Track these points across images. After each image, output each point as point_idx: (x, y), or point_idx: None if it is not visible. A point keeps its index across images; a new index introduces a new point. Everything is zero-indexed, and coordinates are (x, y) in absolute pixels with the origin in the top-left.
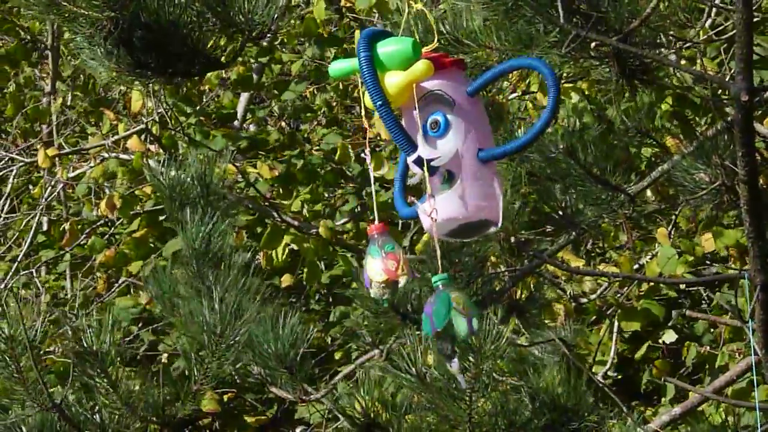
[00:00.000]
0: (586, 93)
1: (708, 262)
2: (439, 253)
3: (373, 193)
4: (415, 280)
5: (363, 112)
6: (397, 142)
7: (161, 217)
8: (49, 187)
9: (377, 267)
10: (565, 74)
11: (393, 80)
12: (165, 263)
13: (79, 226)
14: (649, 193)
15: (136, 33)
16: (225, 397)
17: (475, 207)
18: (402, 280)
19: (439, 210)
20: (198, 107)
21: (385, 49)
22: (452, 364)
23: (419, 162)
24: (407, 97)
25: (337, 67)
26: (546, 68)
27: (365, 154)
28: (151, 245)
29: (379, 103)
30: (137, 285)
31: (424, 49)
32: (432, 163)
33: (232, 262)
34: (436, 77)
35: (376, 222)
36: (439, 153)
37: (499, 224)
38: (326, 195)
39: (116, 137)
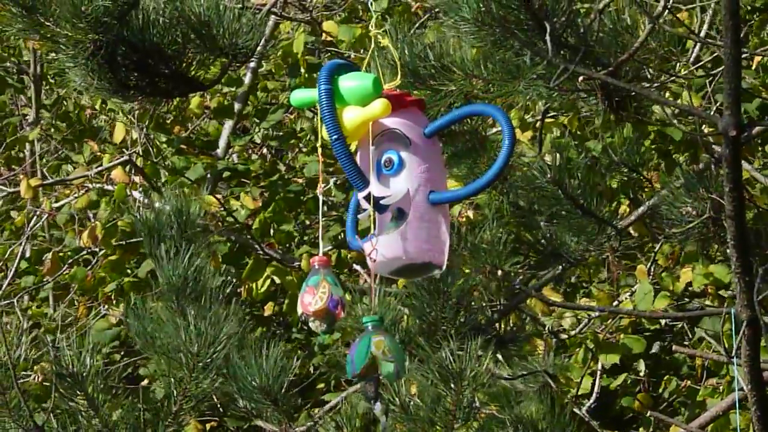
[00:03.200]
0: (569, 128)
1: (687, 299)
2: (374, 294)
3: (320, 222)
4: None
5: (319, 144)
6: (350, 177)
7: (130, 245)
8: (34, 218)
9: (309, 298)
10: (551, 108)
11: (350, 116)
12: (138, 285)
13: (61, 254)
14: (630, 229)
15: (119, 53)
16: (208, 426)
17: (419, 249)
18: (337, 314)
19: (384, 249)
20: (180, 135)
21: (346, 83)
22: (375, 406)
23: (369, 199)
24: (363, 133)
25: (299, 96)
26: (502, 115)
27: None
28: (128, 270)
29: (335, 137)
30: (111, 309)
31: (387, 86)
32: (381, 202)
33: (212, 294)
34: (395, 115)
35: (320, 254)
36: (390, 192)
37: (443, 268)
38: (308, 222)
39: (100, 168)
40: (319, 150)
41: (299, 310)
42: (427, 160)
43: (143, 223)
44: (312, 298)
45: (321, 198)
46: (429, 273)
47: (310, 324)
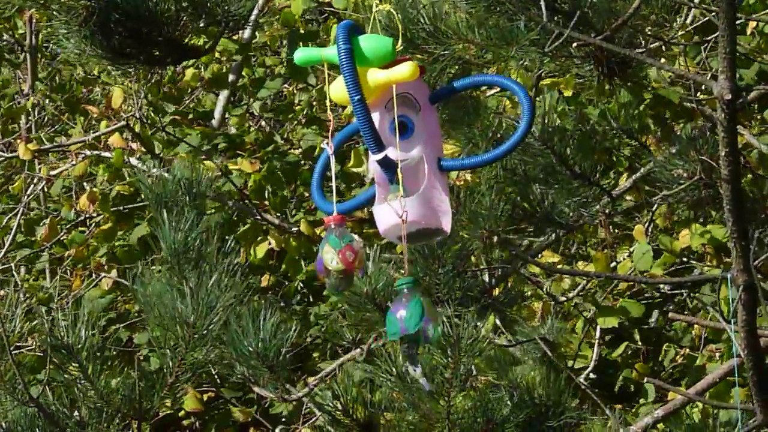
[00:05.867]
0: (564, 93)
1: (685, 260)
2: (407, 256)
3: (333, 181)
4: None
5: (328, 103)
6: (366, 140)
7: (128, 210)
8: (32, 185)
9: (334, 256)
10: (546, 71)
11: (377, 76)
12: (129, 249)
13: (58, 225)
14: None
15: (113, 20)
16: (205, 396)
17: (430, 214)
18: (358, 273)
19: (391, 214)
20: (175, 106)
21: (366, 44)
22: (416, 368)
23: (385, 162)
24: (378, 96)
25: (304, 54)
26: (520, 89)
27: (325, 144)
28: (120, 238)
29: (357, 98)
30: (104, 275)
31: None
32: (407, 165)
33: (215, 262)
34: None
35: (334, 213)
36: (407, 156)
37: (448, 233)
38: (306, 194)
39: (97, 134)
40: (329, 112)
41: (321, 269)
42: (432, 125)
43: (151, 189)
44: (339, 258)
45: (330, 151)
46: (436, 238)
47: (327, 281)
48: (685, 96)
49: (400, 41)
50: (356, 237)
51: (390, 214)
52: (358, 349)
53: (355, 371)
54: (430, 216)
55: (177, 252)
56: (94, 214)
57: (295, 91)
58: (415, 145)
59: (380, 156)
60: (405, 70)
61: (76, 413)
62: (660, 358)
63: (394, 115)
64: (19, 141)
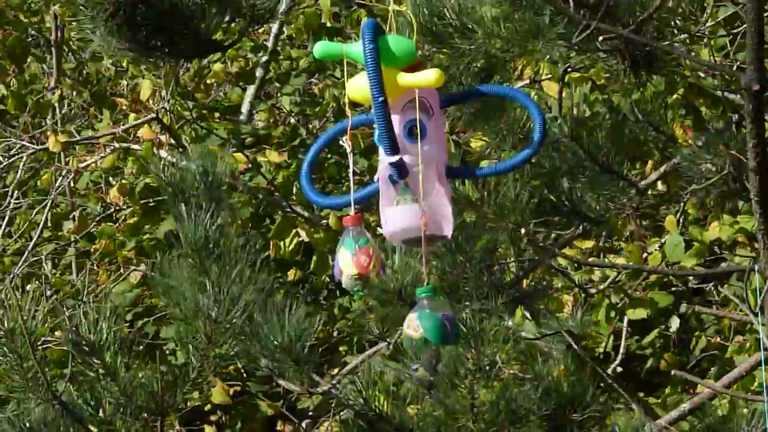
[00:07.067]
0: (597, 83)
1: (717, 251)
2: (426, 258)
3: (352, 183)
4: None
5: (346, 101)
6: (383, 141)
7: (156, 202)
8: (60, 177)
9: (349, 260)
10: (572, 63)
11: (404, 79)
12: (156, 243)
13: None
14: (659, 184)
15: (139, 14)
16: (231, 390)
17: (435, 220)
18: (372, 275)
19: (402, 218)
20: (202, 101)
21: (390, 45)
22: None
23: (398, 164)
24: (394, 99)
25: (324, 48)
26: (531, 103)
27: (344, 141)
28: (147, 232)
29: (381, 99)
30: (133, 268)
31: None
32: (414, 168)
33: (238, 256)
34: None
35: (352, 212)
36: (419, 160)
37: (449, 239)
38: (334, 190)
39: (126, 126)
40: (348, 109)
41: (337, 272)
42: (441, 131)
43: (168, 181)
44: (353, 261)
45: (349, 149)
46: (437, 243)
47: (343, 283)
48: (715, 87)
49: (415, 36)
50: (371, 238)
51: (401, 217)
52: (384, 343)
53: (380, 366)
54: (437, 222)
55: (197, 245)
56: (123, 207)
57: (324, 88)
58: (428, 150)
59: (395, 158)
60: (431, 76)
61: (100, 410)
62: (691, 346)
63: (417, 118)
64: (49, 133)
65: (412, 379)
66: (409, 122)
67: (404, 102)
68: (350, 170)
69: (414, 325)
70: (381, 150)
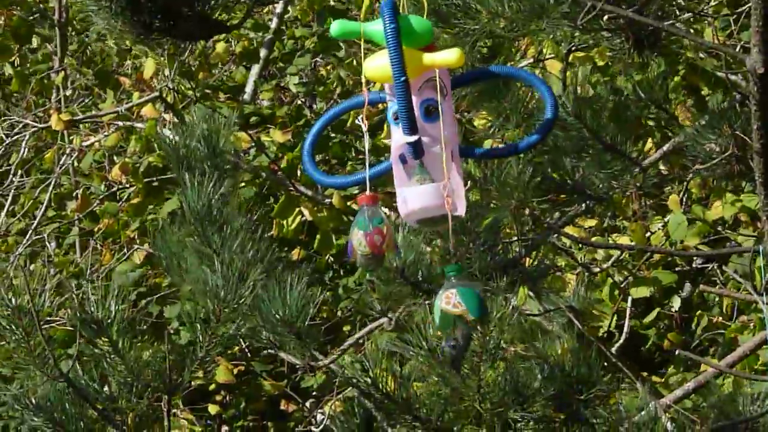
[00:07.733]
0: (599, 64)
1: (720, 230)
2: (452, 241)
3: (367, 161)
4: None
5: (363, 79)
6: (404, 120)
7: (159, 181)
8: (64, 156)
9: (362, 239)
10: (576, 43)
11: (427, 58)
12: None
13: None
14: (660, 165)
15: None
16: (235, 370)
17: (456, 198)
18: (389, 254)
19: (417, 198)
20: (206, 80)
21: (409, 24)
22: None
23: (416, 144)
24: (413, 79)
25: (341, 27)
26: (543, 85)
27: (360, 120)
28: (150, 212)
29: (402, 78)
30: (137, 247)
31: None
32: (433, 148)
33: (238, 225)
34: None
35: (368, 192)
36: (436, 139)
37: (462, 217)
38: (339, 168)
39: (130, 104)
40: (364, 89)
41: (351, 251)
42: (452, 111)
43: (172, 148)
44: (367, 241)
45: (365, 127)
46: (451, 222)
47: (357, 262)
48: (717, 68)
49: (425, 15)
50: (385, 218)
51: (422, 196)
52: (385, 318)
53: (385, 345)
54: (452, 201)
55: (200, 214)
56: (127, 186)
57: (330, 69)
58: (445, 128)
59: (414, 138)
60: (452, 56)
61: (105, 388)
62: (693, 325)
63: (438, 98)
64: (51, 111)
65: (445, 354)
66: (425, 102)
67: (421, 82)
68: (366, 149)
69: (454, 301)
70: (395, 130)
